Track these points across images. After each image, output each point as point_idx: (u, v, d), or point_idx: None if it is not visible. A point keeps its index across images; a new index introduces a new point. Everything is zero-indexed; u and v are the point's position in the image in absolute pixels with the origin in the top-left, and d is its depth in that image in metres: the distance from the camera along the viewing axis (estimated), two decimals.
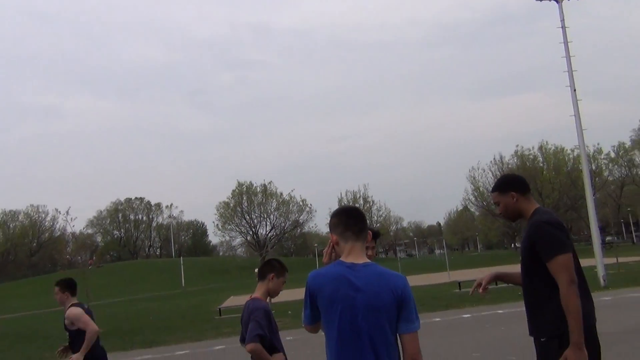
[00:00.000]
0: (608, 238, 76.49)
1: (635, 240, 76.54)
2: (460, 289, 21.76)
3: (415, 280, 31.44)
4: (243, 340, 3.95)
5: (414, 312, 2.48)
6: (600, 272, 17.81)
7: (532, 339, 3.23)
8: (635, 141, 70.68)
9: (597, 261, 18.14)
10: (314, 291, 2.49)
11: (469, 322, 12.35)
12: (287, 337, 11.59)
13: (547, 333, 3.07)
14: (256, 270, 4.48)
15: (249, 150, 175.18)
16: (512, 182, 3.41)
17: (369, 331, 2.40)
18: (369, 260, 2.55)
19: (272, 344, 3.85)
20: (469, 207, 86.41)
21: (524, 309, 3.29)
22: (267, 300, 4.08)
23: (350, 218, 2.64)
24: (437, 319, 13.31)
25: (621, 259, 27.21)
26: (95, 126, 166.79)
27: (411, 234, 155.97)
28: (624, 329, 9.26)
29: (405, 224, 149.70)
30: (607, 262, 21.30)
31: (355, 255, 2.54)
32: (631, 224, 78.95)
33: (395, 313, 2.44)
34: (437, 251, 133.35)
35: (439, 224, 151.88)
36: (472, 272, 35.94)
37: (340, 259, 2.56)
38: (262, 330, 3.75)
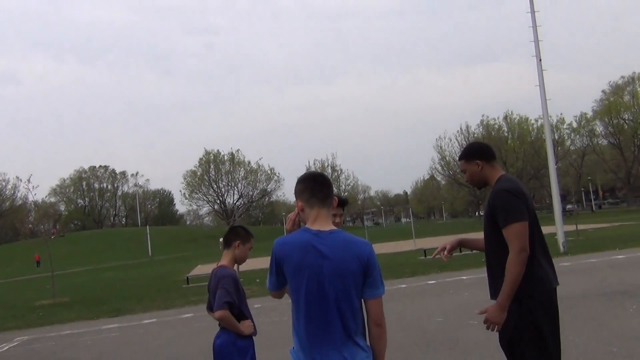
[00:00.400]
0: (569, 206, 78.74)
1: (594, 208, 79.03)
2: (425, 256, 22.20)
3: (381, 248, 31.94)
4: (210, 308, 3.95)
5: (379, 278, 2.52)
6: (560, 239, 18.37)
7: (492, 302, 3.32)
8: (597, 112, 72.38)
9: (557, 228, 18.69)
10: (280, 258, 2.50)
11: (433, 289, 12.64)
12: (255, 305, 11.69)
13: (529, 291, 3.13)
14: (221, 239, 4.44)
15: (216, 118, 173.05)
16: (477, 151, 3.47)
17: (336, 297, 2.43)
18: (335, 228, 2.56)
19: (241, 311, 3.86)
20: (435, 176, 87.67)
21: (486, 275, 3.37)
22: (234, 267, 4.06)
23: (317, 184, 2.63)
24: (403, 285, 13.58)
25: (580, 227, 28.11)
26: (55, 92, 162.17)
27: (378, 202, 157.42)
28: (582, 293, 9.62)
29: (372, 192, 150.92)
30: (567, 229, 21.97)
31: (321, 222, 2.55)
32: (591, 192, 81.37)
33: (361, 279, 2.47)
34: (404, 219, 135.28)
35: (405, 193, 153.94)
36: (437, 240, 36.65)
37: (306, 225, 2.57)
38: (230, 297, 3.75)
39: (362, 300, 2.52)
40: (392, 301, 10.90)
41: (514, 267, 3.02)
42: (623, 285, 9.99)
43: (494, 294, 3.26)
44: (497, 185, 3.30)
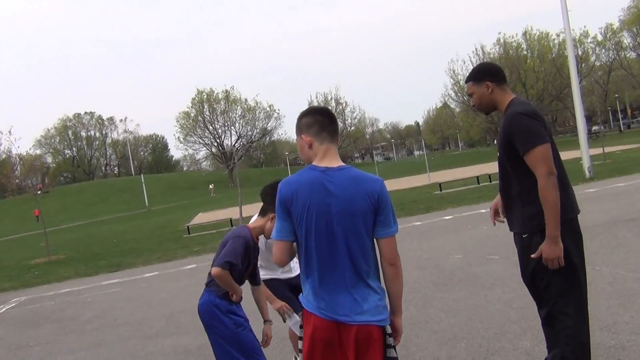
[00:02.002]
0: (594, 128, 78.16)
1: (622, 128, 78.48)
2: (441, 190, 22.32)
3: (394, 184, 32.10)
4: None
5: (391, 216, 2.53)
6: (586, 164, 18.38)
7: (512, 235, 3.33)
8: (624, 21, 70.43)
9: (582, 152, 18.66)
10: (286, 198, 2.50)
11: (450, 224, 12.77)
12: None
13: (528, 228, 3.16)
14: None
15: (206, 53, 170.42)
16: (488, 71, 3.39)
17: (345, 237, 2.46)
18: (343, 164, 2.56)
19: (241, 281, 3.84)
20: (448, 103, 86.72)
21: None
22: (257, 239, 3.89)
23: (326, 117, 2.62)
24: (418, 223, 13.72)
25: (607, 149, 28.01)
26: (29, 34, 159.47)
27: (388, 135, 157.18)
28: (608, 220, 9.69)
29: (381, 125, 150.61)
30: (593, 152, 21.92)
31: (330, 159, 2.55)
32: (618, 111, 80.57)
33: (372, 218, 2.49)
34: (417, 152, 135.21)
35: (417, 123, 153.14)
36: (453, 172, 36.75)
37: (314, 162, 2.56)
38: (235, 259, 3.65)
39: (375, 239, 2.54)
40: (406, 240, 11.04)
41: (548, 192, 2.99)
42: None
43: (514, 226, 3.27)
44: (510, 109, 3.23)
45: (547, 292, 3.16)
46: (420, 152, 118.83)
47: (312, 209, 2.46)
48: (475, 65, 4.68)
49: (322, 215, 2.46)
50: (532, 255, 3.10)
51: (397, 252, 2.56)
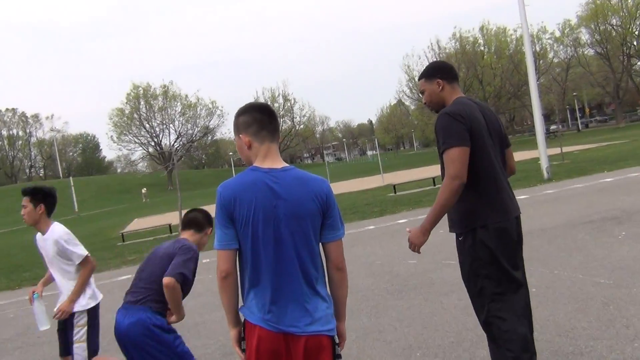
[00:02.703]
0: (553, 127, 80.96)
1: (580, 128, 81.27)
2: (395, 192, 22.58)
3: (346, 186, 32.32)
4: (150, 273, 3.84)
5: (338, 218, 2.58)
6: (544, 164, 18.92)
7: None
8: (582, 17, 72.80)
9: (540, 152, 19.20)
10: (228, 203, 2.46)
11: (405, 228, 12.91)
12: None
13: (461, 228, 3.39)
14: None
15: (143, 44, 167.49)
16: (440, 69, 3.59)
17: (294, 242, 2.47)
18: (287, 164, 2.57)
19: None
20: (403, 100, 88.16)
21: None
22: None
23: (265, 114, 2.60)
24: (371, 227, 13.84)
25: (566, 149, 28.98)
26: None
27: (340, 134, 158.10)
28: (566, 222, 10.01)
29: (332, 123, 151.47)
30: (551, 152, 22.63)
31: (273, 159, 2.55)
32: (576, 110, 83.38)
33: (319, 220, 2.52)
34: (370, 152, 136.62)
35: (370, 121, 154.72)
36: (408, 173, 37.31)
37: (255, 164, 2.55)
38: (189, 273, 3.68)
39: (321, 243, 2.58)
40: (358, 245, 11.12)
41: (442, 192, 3.23)
42: (611, 211, 10.43)
43: (451, 226, 3.49)
44: (443, 109, 3.44)
45: (481, 297, 3.35)
46: (374, 152, 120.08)
47: (258, 212, 2.44)
48: (430, 61, 4.94)
49: (269, 218, 2.44)
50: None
51: (343, 256, 2.61)
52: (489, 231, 3.29)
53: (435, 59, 66.78)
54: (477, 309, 3.43)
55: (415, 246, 3.40)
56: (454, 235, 3.50)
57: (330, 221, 2.54)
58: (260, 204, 2.44)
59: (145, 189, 72.60)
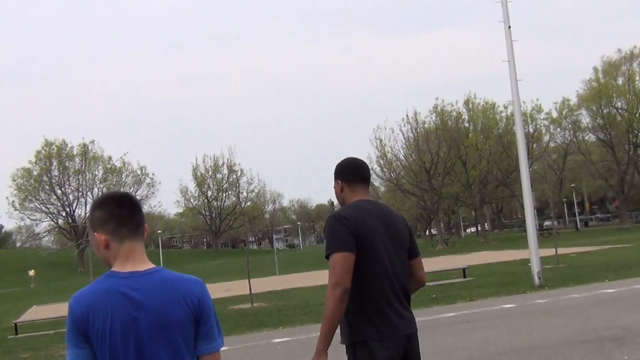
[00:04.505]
0: (546, 223, 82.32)
1: (579, 226, 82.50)
2: None
3: (297, 280, 32.03)
4: None
5: (215, 326, 2.62)
6: (535, 268, 19.13)
7: None
8: (582, 97, 74.52)
9: (531, 253, 19.44)
10: (80, 320, 2.43)
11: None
12: None
13: (344, 340, 3.73)
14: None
15: (61, 95, 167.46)
16: (340, 168, 4.05)
17: (160, 357, 2.46)
18: (153, 266, 2.59)
19: None
20: (372, 180, 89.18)
21: None
22: None
23: (125, 208, 2.63)
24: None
25: (561, 250, 29.44)
26: None
27: (294, 216, 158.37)
28: (559, 340, 10.08)
29: (285, 202, 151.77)
30: (544, 254, 22.94)
31: (136, 260, 2.57)
32: (575, 204, 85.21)
33: (191, 329, 2.54)
34: None
35: (331, 202, 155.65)
36: None
37: (113, 268, 2.56)
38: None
39: (197, 356, 2.60)
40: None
41: (327, 304, 3.55)
42: (612, 329, 10.55)
43: (340, 334, 3.75)
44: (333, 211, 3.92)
45: None
46: None
47: (115, 327, 2.42)
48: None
49: (129, 333, 2.43)
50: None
51: None
52: (369, 348, 3.57)
53: (411, 135, 68.31)
54: None
55: None
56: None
57: (206, 329, 2.56)
58: (117, 317, 2.43)
59: (32, 270, 69.30)
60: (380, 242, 3.67)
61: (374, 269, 3.63)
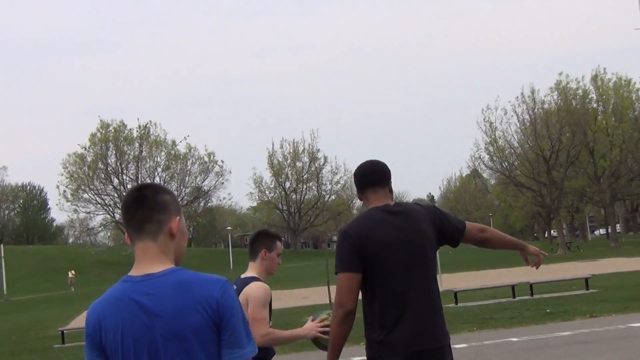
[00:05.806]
0: None
1: None
2: (456, 302, 22.32)
3: None
4: None
5: (242, 331, 2.60)
6: None
7: None
8: None
9: None
10: (93, 330, 2.57)
11: (462, 356, 12.74)
12: None
13: (367, 357, 4.14)
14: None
15: (115, 67, 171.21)
16: (355, 176, 4.41)
17: None
18: (170, 266, 2.63)
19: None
20: (479, 170, 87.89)
21: None
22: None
23: (136, 201, 2.69)
24: None
25: None
26: None
27: None
28: None
29: None
30: None
31: (148, 262, 2.62)
32: None
33: (213, 337, 2.55)
34: None
35: (431, 196, 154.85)
36: (477, 276, 36.86)
37: (131, 271, 2.64)
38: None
39: None
40: None
41: (331, 323, 4.13)
42: None
43: None
44: None
45: None
46: None
47: (126, 337, 2.51)
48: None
49: (142, 344, 2.50)
50: None
51: None
52: None
53: (528, 117, 66.89)
54: None
55: None
56: None
57: (228, 336, 2.55)
58: (128, 327, 2.51)
59: (72, 271, 71.07)
60: (392, 253, 3.99)
61: (381, 284, 4.02)
